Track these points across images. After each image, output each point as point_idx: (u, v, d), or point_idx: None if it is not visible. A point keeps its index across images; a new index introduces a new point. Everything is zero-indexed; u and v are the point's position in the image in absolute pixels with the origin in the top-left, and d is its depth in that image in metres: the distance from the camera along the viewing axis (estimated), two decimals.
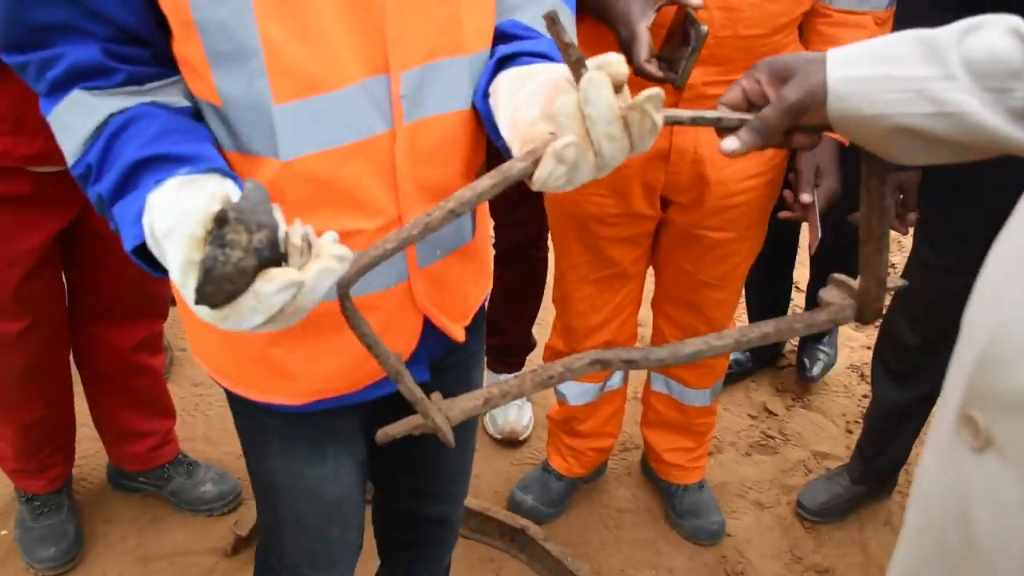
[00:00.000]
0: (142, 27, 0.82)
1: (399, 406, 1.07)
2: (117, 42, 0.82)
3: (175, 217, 0.70)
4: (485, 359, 2.40)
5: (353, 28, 0.84)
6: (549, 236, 2.11)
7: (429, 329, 1.07)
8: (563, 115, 0.68)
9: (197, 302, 0.64)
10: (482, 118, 0.95)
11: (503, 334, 2.38)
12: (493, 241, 2.24)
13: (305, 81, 0.84)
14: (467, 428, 1.34)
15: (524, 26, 0.98)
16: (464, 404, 0.79)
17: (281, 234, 0.67)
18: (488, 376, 2.43)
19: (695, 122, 0.77)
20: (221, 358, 1.06)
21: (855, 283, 0.85)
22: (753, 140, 0.77)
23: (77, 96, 0.82)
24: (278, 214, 0.67)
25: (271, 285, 0.64)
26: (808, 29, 1.55)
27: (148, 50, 0.84)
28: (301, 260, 0.67)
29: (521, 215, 2.16)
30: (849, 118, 0.74)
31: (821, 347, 2.62)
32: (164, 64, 0.85)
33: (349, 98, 0.86)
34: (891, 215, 0.83)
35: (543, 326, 2.56)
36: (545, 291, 2.36)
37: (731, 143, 0.77)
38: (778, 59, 0.79)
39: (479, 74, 0.96)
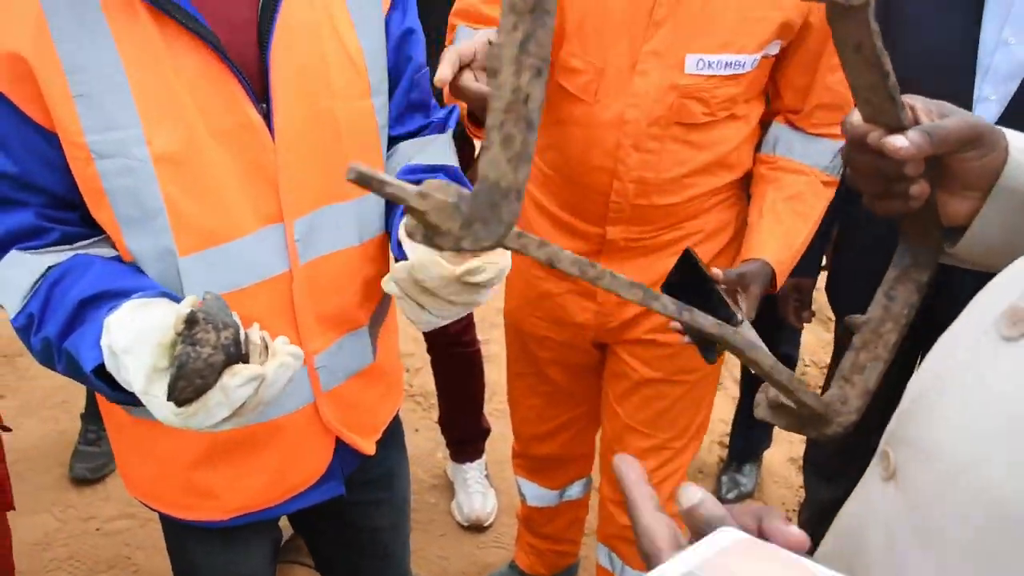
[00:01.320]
0: (70, 193, 0.94)
1: (323, 512, 1.24)
2: (49, 207, 0.94)
3: (134, 333, 0.79)
4: (448, 451, 2.51)
5: (248, 185, 0.97)
6: (477, 328, 2.28)
7: (341, 445, 1.17)
8: (397, 278, 0.84)
9: (169, 398, 0.74)
10: (395, 255, 1.08)
11: (455, 428, 2.48)
12: (426, 346, 2.36)
13: (206, 234, 0.96)
14: (400, 515, 1.44)
15: (424, 167, 1.08)
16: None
17: (242, 335, 0.78)
18: (452, 467, 2.54)
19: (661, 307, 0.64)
20: (148, 485, 1.16)
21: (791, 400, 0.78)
22: (922, 143, 0.70)
23: (15, 255, 0.94)
24: (236, 315, 0.78)
25: (237, 379, 0.74)
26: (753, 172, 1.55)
27: (77, 213, 0.95)
28: (261, 358, 0.78)
29: None
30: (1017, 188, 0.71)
31: (741, 476, 2.65)
32: (92, 225, 0.96)
33: (247, 246, 0.98)
34: (904, 330, 0.80)
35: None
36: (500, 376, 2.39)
37: (899, 140, 0.71)
38: (935, 100, 0.77)
39: (366, 213, 1.09)
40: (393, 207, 1.11)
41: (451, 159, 1.14)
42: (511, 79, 0.47)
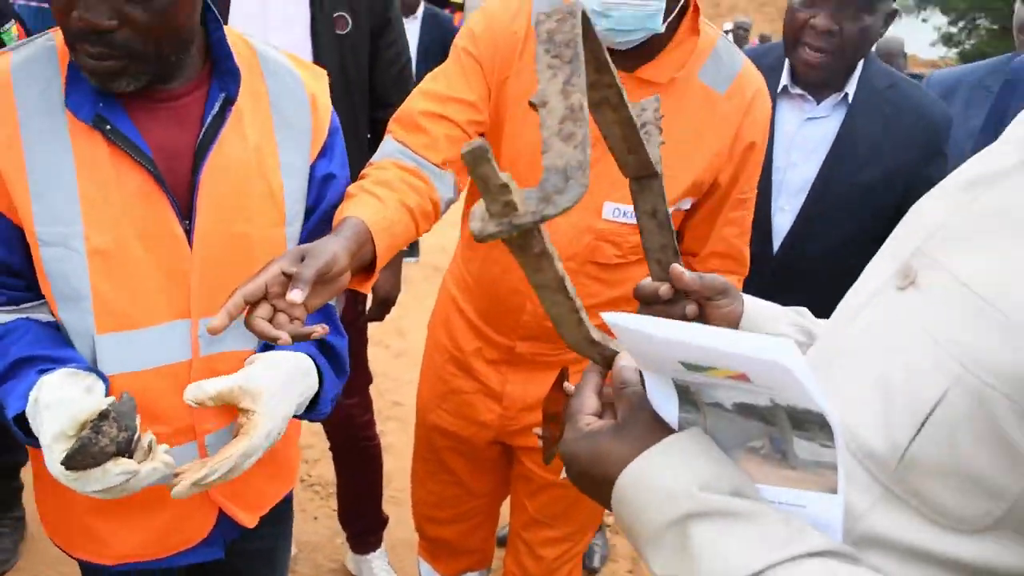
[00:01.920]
0: (17, 264, 1.13)
1: (208, 571, 1.38)
2: (2, 275, 1.14)
3: (58, 397, 1.01)
4: (349, 543, 2.56)
5: (165, 283, 1.16)
6: (376, 425, 2.40)
7: (224, 514, 1.31)
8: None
9: (61, 463, 0.97)
10: None
11: (357, 520, 2.53)
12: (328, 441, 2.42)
13: (122, 319, 1.14)
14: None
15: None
16: None
17: (136, 437, 1.02)
18: (355, 558, 2.58)
19: None
20: (54, 521, 1.32)
21: None
22: (696, 279, 1.03)
23: None
24: (138, 420, 1.02)
25: (116, 468, 0.98)
26: None
27: (23, 281, 1.15)
28: (141, 457, 1.02)
29: (349, 407, 2.29)
30: None
31: (594, 541, 2.76)
32: (35, 291, 1.15)
33: (157, 334, 1.17)
34: None
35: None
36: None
37: (686, 273, 1.03)
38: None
39: None
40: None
41: (334, 313, 1.36)
42: (560, 103, 0.65)
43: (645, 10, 1.37)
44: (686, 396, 0.70)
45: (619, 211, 1.50)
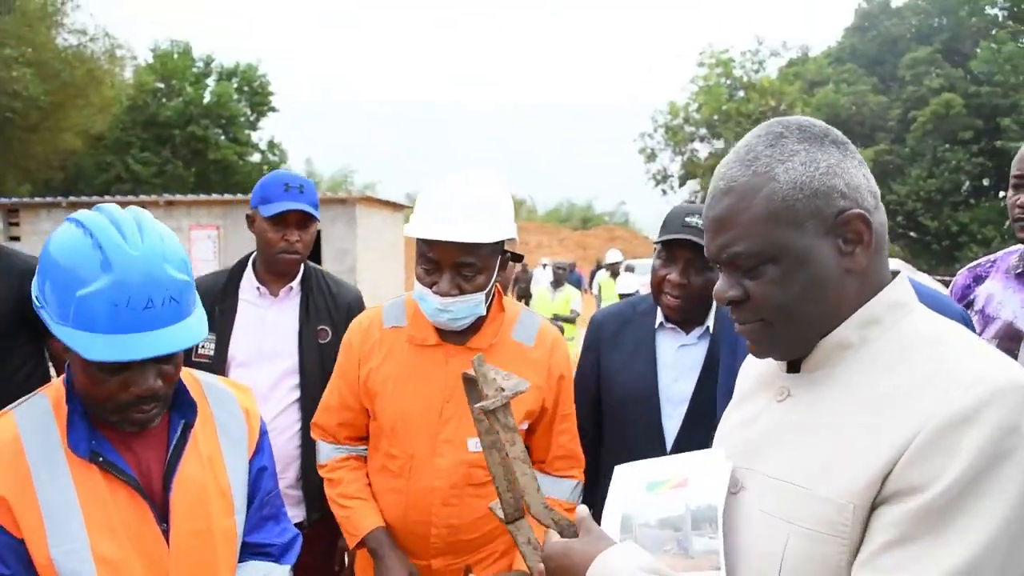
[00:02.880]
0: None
1: None
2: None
3: None
4: None
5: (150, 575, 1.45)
6: None
7: None
8: None
9: None
10: None
11: None
12: None
13: None
14: None
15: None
16: None
17: None
18: None
19: None
20: None
21: None
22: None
23: None
24: None
25: None
26: None
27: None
28: None
29: None
30: None
31: None
32: None
33: None
34: None
35: None
36: None
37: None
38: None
39: None
40: None
41: None
42: (499, 465, 1.24)
43: (473, 302, 1.97)
44: (625, 525, 1.21)
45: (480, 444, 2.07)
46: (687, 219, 2.38)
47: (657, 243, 2.36)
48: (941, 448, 0.95)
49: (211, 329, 2.33)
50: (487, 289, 2.00)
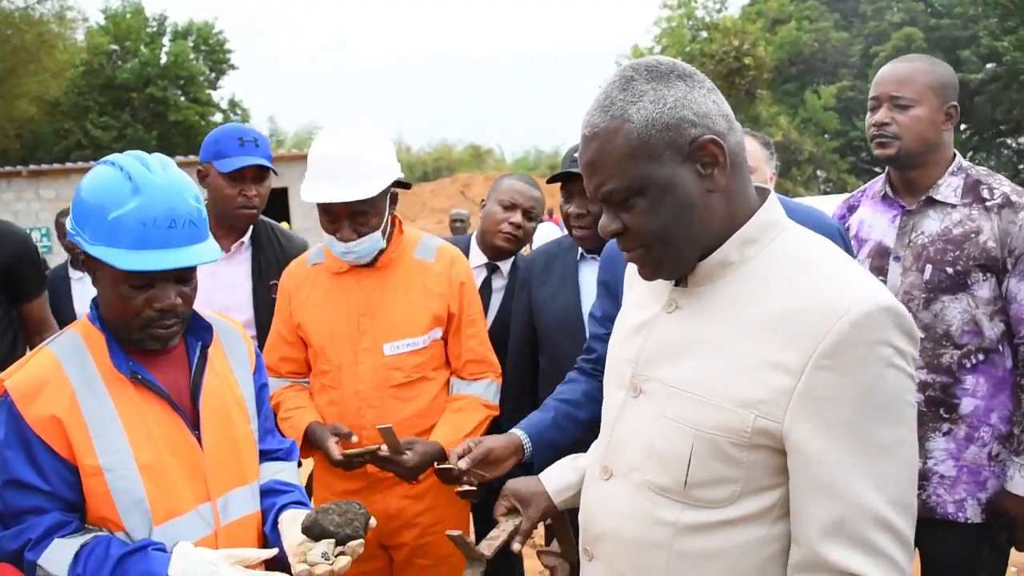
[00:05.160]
0: (78, 500, 1.57)
1: None
2: (65, 511, 1.56)
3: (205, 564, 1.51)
4: None
5: (189, 479, 1.65)
6: None
7: None
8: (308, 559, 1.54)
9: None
10: (268, 536, 1.77)
11: None
12: None
13: (167, 511, 1.61)
14: None
15: (284, 483, 1.85)
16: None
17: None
18: None
19: None
20: None
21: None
22: (524, 541, 1.66)
23: (57, 542, 1.53)
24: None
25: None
26: None
27: (78, 514, 1.57)
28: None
29: None
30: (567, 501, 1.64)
31: None
32: (80, 517, 1.58)
33: (194, 516, 1.65)
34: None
35: None
36: None
37: (515, 546, 1.65)
38: (517, 490, 1.68)
39: (255, 494, 1.79)
40: (268, 494, 1.83)
41: (299, 482, 1.91)
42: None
43: (371, 241, 2.29)
44: None
45: (394, 347, 2.34)
46: (576, 154, 2.58)
47: (551, 181, 2.55)
48: (825, 372, 1.11)
49: None
50: (382, 226, 2.31)
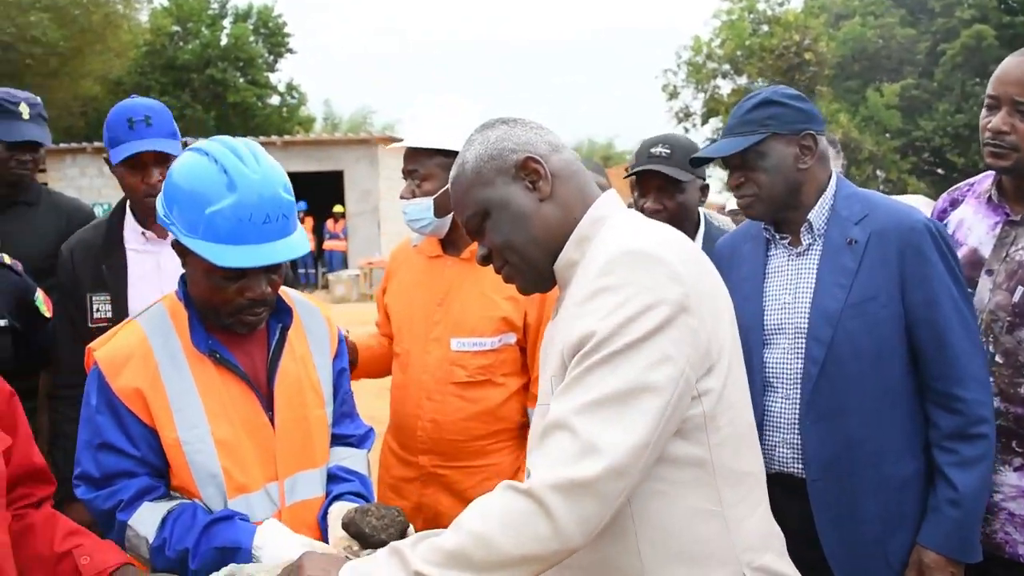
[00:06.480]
0: (162, 466, 1.64)
1: None
2: (153, 476, 1.60)
3: (289, 545, 1.53)
4: None
5: (260, 457, 1.69)
6: None
7: None
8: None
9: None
10: (319, 524, 1.77)
11: None
12: None
13: (238, 486, 1.66)
14: None
15: (348, 470, 1.83)
16: None
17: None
18: None
19: None
20: None
21: None
22: None
23: (146, 505, 1.57)
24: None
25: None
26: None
27: (164, 480, 1.65)
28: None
29: None
30: None
31: None
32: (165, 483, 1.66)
33: (262, 493, 1.70)
34: None
35: None
36: None
37: None
38: None
39: (322, 479, 1.80)
40: (330, 480, 1.83)
41: (364, 471, 1.91)
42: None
43: (421, 205, 2.29)
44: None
45: (461, 343, 2.28)
46: (652, 150, 2.60)
47: (627, 176, 2.56)
48: (587, 314, 1.27)
49: (103, 289, 2.42)
50: (436, 195, 2.28)
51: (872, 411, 1.93)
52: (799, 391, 1.99)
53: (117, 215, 2.52)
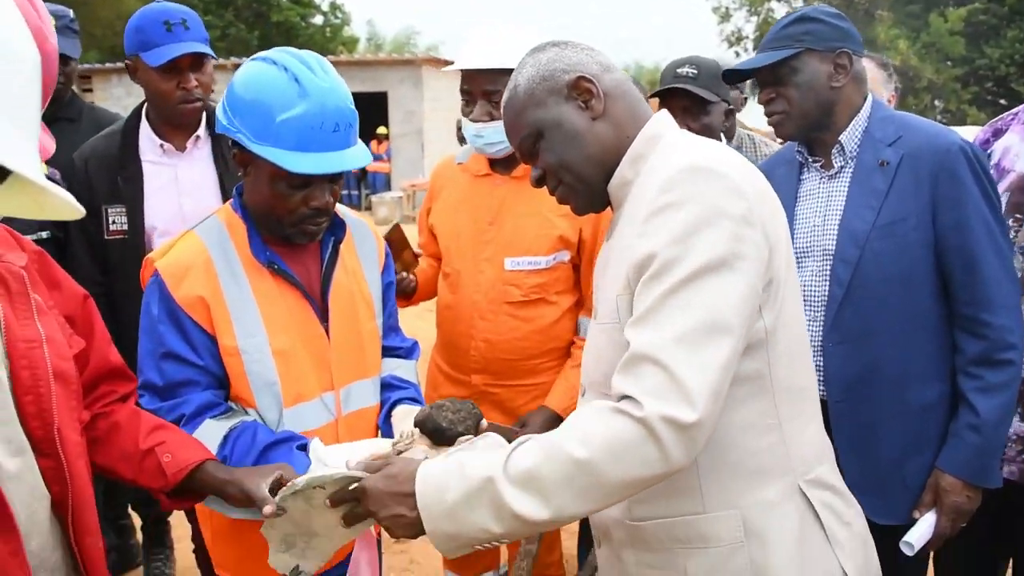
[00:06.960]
0: (223, 377, 1.63)
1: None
2: (215, 388, 1.63)
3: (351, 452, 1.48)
4: None
5: (316, 367, 1.71)
6: None
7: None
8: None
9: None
10: (381, 428, 1.82)
11: None
12: None
13: (295, 396, 1.68)
14: None
15: (402, 379, 1.87)
16: None
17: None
18: None
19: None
20: (237, 563, 1.74)
21: None
22: None
23: (208, 422, 1.60)
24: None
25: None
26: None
27: (225, 391, 1.66)
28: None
29: None
30: None
31: None
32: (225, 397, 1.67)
33: (318, 403, 1.71)
34: None
35: None
36: None
37: None
38: None
39: (376, 388, 1.85)
40: (386, 388, 1.86)
41: (415, 380, 1.95)
42: None
43: (501, 128, 2.09)
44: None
45: (516, 263, 2.27)
46: (678, 70, 2.56)
47: (652, 96, 2.49)
48: (652, 232, 1.26)
49: (118, 201, 2.38)
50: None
51: (898, 334, 1.91)
52: (824, 313, 1.98)
53: (132, 124, 2.45)
